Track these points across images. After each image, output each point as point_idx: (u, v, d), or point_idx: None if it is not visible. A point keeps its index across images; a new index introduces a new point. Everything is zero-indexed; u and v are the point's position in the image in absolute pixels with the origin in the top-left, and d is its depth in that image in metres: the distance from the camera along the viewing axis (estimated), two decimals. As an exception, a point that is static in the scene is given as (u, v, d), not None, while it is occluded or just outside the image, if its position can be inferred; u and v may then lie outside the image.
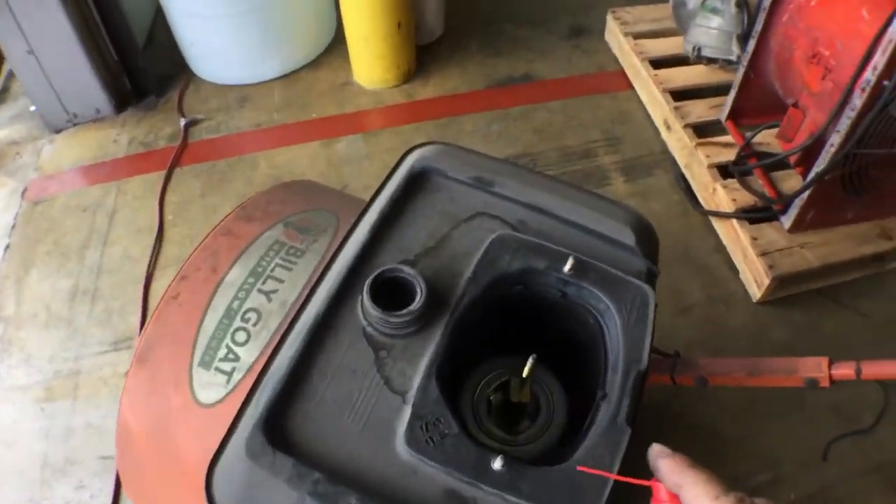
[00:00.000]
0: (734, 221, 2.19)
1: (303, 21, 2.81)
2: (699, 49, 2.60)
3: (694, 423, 1.91)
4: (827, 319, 2.15)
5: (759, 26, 2.20)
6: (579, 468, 0.75)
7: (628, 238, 0.97)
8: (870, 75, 1.74)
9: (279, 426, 0.78)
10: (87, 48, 2.44)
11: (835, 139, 1.88)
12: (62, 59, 2.43)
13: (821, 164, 1.95)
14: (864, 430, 1.42)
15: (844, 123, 1.84)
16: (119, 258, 2.24)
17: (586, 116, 2.69)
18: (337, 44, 2.95)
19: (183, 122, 2.64)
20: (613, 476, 0.75)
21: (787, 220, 2.13)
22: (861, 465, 1.88)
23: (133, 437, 1.11)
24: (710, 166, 2.32)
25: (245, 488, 0.75)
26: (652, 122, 2.66)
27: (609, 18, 2.93)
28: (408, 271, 0.86)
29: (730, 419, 1.93)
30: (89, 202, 2.40)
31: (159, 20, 2.96)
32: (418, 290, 0.84)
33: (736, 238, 2.19)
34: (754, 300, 2.15)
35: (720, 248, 2.28)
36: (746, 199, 2.22)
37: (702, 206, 2.36)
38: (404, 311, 0.83)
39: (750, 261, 2.13)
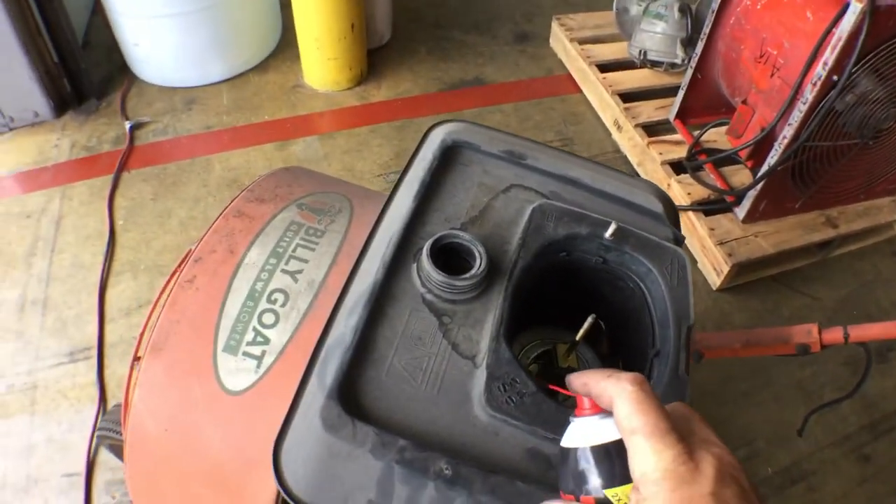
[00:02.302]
0: (691, 214, 2.27)
1: (250, 23, 2.76)
2: (645, 53, 2.69)
3: (672, 407, 1.98)
4: (783, 304, 2.27)
5: (706, 29, 2.31)
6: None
7: (657, 207, 1.00)
8: (820, 70, 1.85)
9: (352, 395, 0.75)
10: (27, 49, 2.32)
11: (787, 132, 1.99)
12: (-1, 60, 2.32)
13: (773, 157, 2.05)
14: (844, 397, 1.49)
15: (796, 117, 1.94)
16: (69, 265, 2.14)
17: (539, 118, 2.74)
18: (284, 46, 2.91)
19: (128, 125, 2.54)
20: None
21: (742, 211, 2.24)
22: (828, 438, 1.99)
23: (149, 436, 1.04)
24: (664, 163, 2.40)
25: (323, 463, 0.71)
26: (602, 123, 2.73)
27: (554, 25, 3.01)
28: (465, 237, 0.85)
29: (705, 401, 2.01)
30: (32, 209, 2.28)
31: (95, 20, 2.86)
32: (477, 254, 0.84)
33: (693, 230, 2.27)
34: (714, 288, 2.25)
35: (676, 242, 2.35)
36: (701, 192, 2.31)
37: (656, 202, 2.43)
38: (468, 274, 0.82)
39: (708, 250, 2.21)
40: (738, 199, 2.25)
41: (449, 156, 1.01)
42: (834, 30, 1.83)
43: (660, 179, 2.39)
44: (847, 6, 1.77)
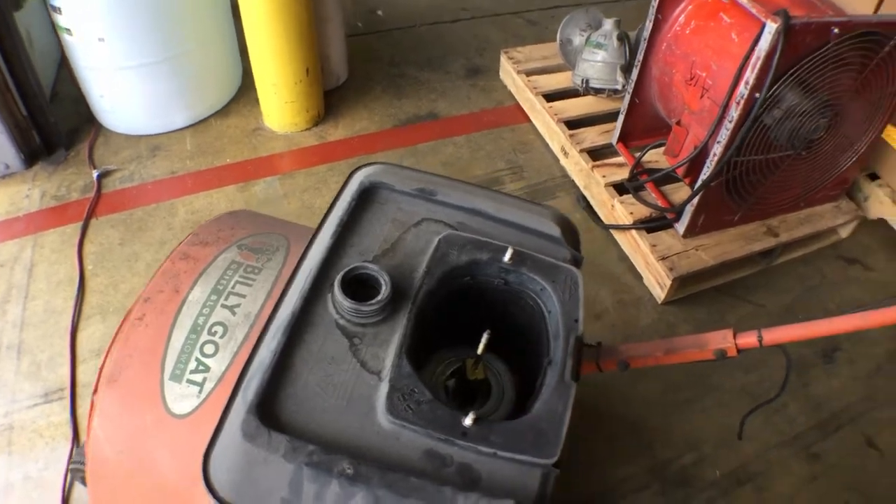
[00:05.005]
0: (633, 232, 2.39)
1: (211, 71, 2.88)
2: (587, 81, 2.83)
3: (620, 416, 2.08)
4: (729, 313, 2.37)
5: (640, 56, 2.44)
6: None
7: (554, 231, 1.11)
8: (743, 89, 1.97)
9: (270, 409, 0.86)
10: (-4, 105, 2.44)
11: (716, 149, 2.11)
12: (-30, 118, 2.43)
13: (705, 173, 2.17)
14: (770, 400, 1.59)
15: (724, 134, 2.07)
16: (42, 311, 2.23)
17: (490, 148, 2.88)
18: (245, 91, 3.03)
19: (96, 173, 2.65)
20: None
21: (681, 227, 2.36)
22: (775, 439, 2.07)
23: (107, 459, 1.15)
24: (607, 185, 2.53)
25: (243, 468, 0.83)
26: (550, 150, 2.87)
27: (502, 58, 3.15)
28: (372, 267, 0.97)
29: (652, 410, 2.10)
30: (6, 257, 2.37)
31: (63, 73, 2.97)
32: (383, 282, 0.95)
33: (637, 247, 2.39)
34: (659, 301, 2.36)
35: (623, 258, 2.48)
36: (643, 211, 2.43)
37: (603, 222, 2.56)
38: (373, 300, 0.93)
39: (651, 266, 2.33)
40: (678, 215, 2.36)
41: (366, 196, 1.13)
42: (753, 51, 1.94)
43: (604, 201, 2.52)
44: (765, 26, 1.88)
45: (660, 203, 2.44)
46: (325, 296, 0.97)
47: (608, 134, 2.73)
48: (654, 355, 1.54)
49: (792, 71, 1.96)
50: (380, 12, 3.60)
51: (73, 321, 2.20)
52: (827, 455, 2.05)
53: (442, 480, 0.82)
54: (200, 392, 1.10)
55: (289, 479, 0.81)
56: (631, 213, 2.42)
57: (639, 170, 2.55)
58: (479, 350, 1.00)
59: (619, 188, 2.54)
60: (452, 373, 1.09)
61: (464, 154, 2.83)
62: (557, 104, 2.86)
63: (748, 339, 1.48)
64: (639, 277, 2.42)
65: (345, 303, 0.93)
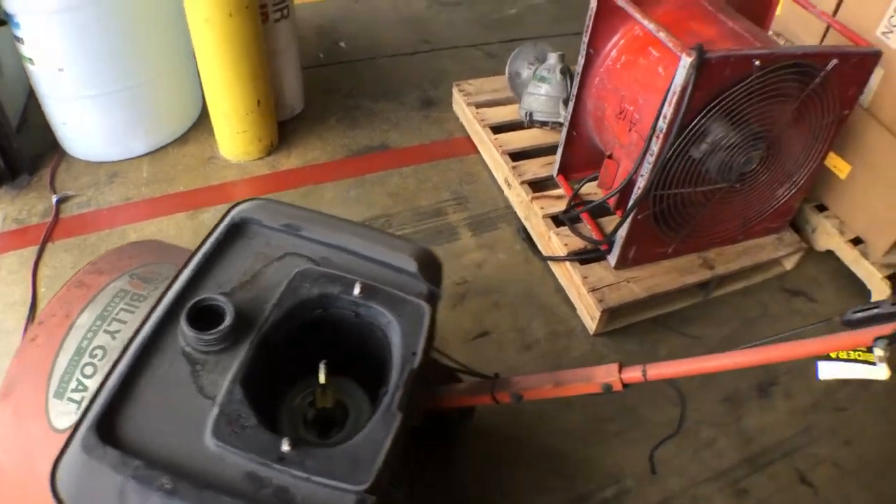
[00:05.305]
0: (567, 264, 2.46)
1: (169, 99, 2.99)
2: (531, 114, 2.92)
3: (542, 448, 2.11)
4: (661, 344, 2.41)
5: (574, 90, 2.51)
6: None
7: (411, 266, 1.19)
8: (661, 123, 2.01)
9: (110, 426, 0.95)
10: (-38, 133, 2.54)
11: (640, 183, 2.16)
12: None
13: (631, 205, 2.22)
14: (671, 436, 1.63)
15: (646, 168, 2.12)
16: (-6, 331, 2.31)
17: (437, 179, 2.97)
18: (203, 119, 3.12)
19: (55, 198, 2.75)
20: None
21: (613, 258, 2.41)
22: (701, 473, 2.09)
23: (4, 469, 1.24)
24: (545, 217, 2.60)
25: (80, 478, 0.92)
26: (496, 182, 2.95)
27: (454, 91, 3.25)
28: (219, 299, 1.05)
29: (575, 442, 2.13)
30: (-35, 279, 2.46)
31: (32, 101, 3.08)
32: (227, 313, 1.03)
33: (570, 279, 2.46)
34: (591, 333, 2.41)
35: (560, 290, 2.55)
36: (577, 243, 2.50)
37: (541, 253, 2.63)
38: (214, 330, 1.01)
39: (583, 297, 2.39)
40: (610, 246, 2.41)
41: (236, 231, 1.22)
42: (671, 85, 1.95)
43: (542, 232, 2.59)
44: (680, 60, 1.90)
45: (594, 235, 2.51)
46: (178, 325, 1.05)
47: (551, 166, 2.81)
48: (544, 387, 1.60)
49: (714, 104, 1.98)
50: (342, 44, 3.72)
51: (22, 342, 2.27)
52: (756, 490, 2.06)
53: (257, 501, 0.90)
54: (78, 409, 1.19)
55: (118, 489, 0.90)
56: (566, 245, 2.49)
57: (576, 202, 2.62)
58: (321, 380, 1.08)
59: (559, 220, 2.61)
60: (311, 401, 1.16)
61: (410, 184, 2.92)
62: (503, 136, 2.95)
63: (633, 374, 1.50)
64: (573, 309, 2.48)
65: (189, 332, 1.01)
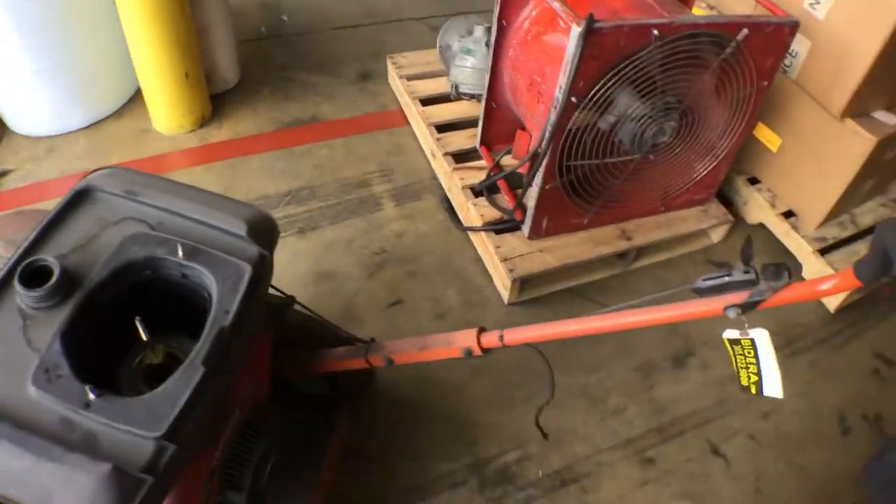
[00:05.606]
0: (483, 234, 2.49)
1: (103, 74, 3.00)
2: (457, 86, 2.94)
3: (449, 414, 2.15)
4: (575, 314, 2.39)
5: (489, 62, 2.53)
6: None
7: (241, 229, 1.23)
8: (558, 94, 2.02)
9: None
10: None
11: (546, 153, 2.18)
12: None
13: (534, 177, 2.24)
14: (547, 402, 1.67)
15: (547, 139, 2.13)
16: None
17: (366, 151, 2.99)
18: (139, 94, 3.14)
19: (-5, 173, 2.79)
20: None
21: (526, 228, 2.44)
22: (607, 441, 2.13)
23: None
24: (465, 188, 2.63)
25: None
26: (424, 154, 2.98)
27: (388, 63, 3.26)
28: (48, 259, 1.10)
29: (482, 409, 2.17)
30: None
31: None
32: (54, 273, 1.07)
33: (486, 249, 2.49)
34: (505, 302, 2.45)
35: (478, 260, 2.58)
36: (494, 213, 2.53)
37: (462, 224, 2.66)
38: (40, 287, 1.06)
39: (496, 267, 2.43)
40: (525, 217, 2.44)
41: (81, 198, 1.26)
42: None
43: (462, 203, 2.62)
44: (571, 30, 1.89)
45: (510, 206, 2.53)
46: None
47: (474, 138, 2.83)
48: (410, 351, 1.64)
49: (611, 75, 1.98)
50: (285, 17, 3.72)
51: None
52: (664, 459, 2.09)
53: (67, 442, 0.97)
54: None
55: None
56: (482, 216, 2.52)
57: (495, 172, 2.65)
58: (144, 337, 1.13)
59: (477, 191, 2.64)
60: (144, 356, 1.20)
61: (338, 156, 2.95)
62: (430, 108, 2.97)
63: (490, 339, 1.55)
64: (490, 279, 2.52)
65: (20, 290, 1.07)
